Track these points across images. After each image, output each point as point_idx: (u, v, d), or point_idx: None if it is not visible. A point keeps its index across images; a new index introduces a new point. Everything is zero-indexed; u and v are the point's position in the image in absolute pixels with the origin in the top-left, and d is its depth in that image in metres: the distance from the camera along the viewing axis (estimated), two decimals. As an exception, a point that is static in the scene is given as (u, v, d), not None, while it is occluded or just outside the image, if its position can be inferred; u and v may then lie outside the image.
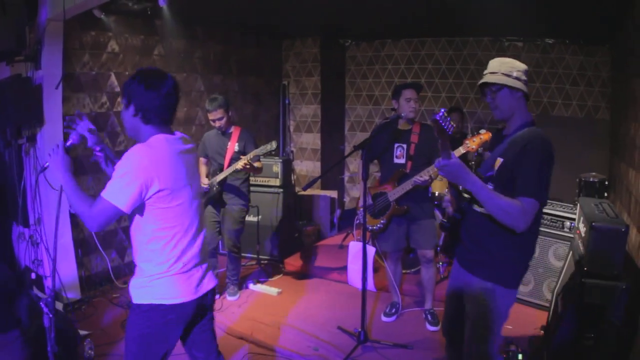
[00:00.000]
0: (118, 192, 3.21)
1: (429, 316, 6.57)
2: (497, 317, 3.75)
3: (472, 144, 5.06)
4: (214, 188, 6.92)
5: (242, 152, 6.89)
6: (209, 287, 3.69)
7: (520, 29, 8.95)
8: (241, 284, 7.65)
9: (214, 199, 7.01)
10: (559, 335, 4.72)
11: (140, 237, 3.46)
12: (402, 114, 5.95)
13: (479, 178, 3.54)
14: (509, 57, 3.77)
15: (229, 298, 7.28)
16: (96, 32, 7.35)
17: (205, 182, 6.93)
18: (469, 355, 3.93)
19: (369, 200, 6.29)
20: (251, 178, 7.41)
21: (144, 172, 3.22)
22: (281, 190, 8.96)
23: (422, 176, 5.82)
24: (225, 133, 7.01)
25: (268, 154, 6.83)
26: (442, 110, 3.31)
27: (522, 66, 3.69)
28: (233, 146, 6.95)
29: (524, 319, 6.24)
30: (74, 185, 3.39)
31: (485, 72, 3.76)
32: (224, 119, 6.82)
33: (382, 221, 6.28)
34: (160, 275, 3.42)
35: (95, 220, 3.24)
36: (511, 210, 3.39)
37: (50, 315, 3.90)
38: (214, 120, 6.83)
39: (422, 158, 6.06)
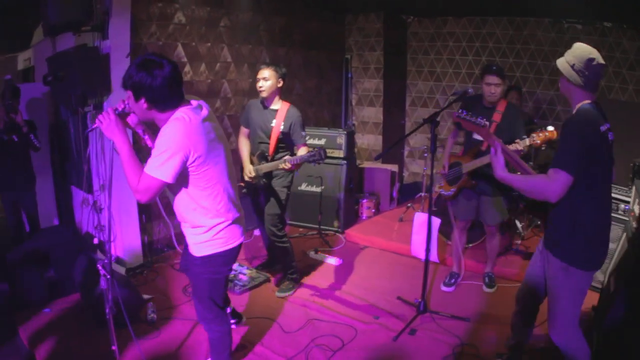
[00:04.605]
0: (161, 167, 3.47)
1: (486, 278, 6.78)
2: (573, 294, 3.97)
3: (538, 138, 5.24)
4: (262, 181, 6.28)
5: (288, 133, 6.24)
6: (246, 227, 4.31)
7: (580, 12, 8.80)
8: (300, 278, 6.96)
9: (261, 190, 6.44)
10: (610, 316, 4.71)
11: (190, 199, 3.82)
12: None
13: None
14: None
15: (278, 294, 6.58)
16: (163, 3, 7.44)
17: (249, 171, 6.27)
18: (548, 324, 4.16)
19: (445, 170, 6.53)
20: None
21: (182, 144, 3.48)
22: (345, 162, 9.00)
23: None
24: (267, 107, 6.31)
25: (314, 162, 5.72)
26: (461, 110, 3.64)
27: (585, 57, 3.77)
28: (279, 125, 6.22)
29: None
30: (128, 152, 3.58)
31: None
32: (269, 83, 6.11)
33: (452, 189, 6.43)
34: (219, 226, 3.93)
35: (144, 195, 3.57)
36: (538, 185, 3.78)
37: (108, 277, 4.03)
38: (258, 79, 6.15)
39: (503, 137, 6.03)
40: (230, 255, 4.09)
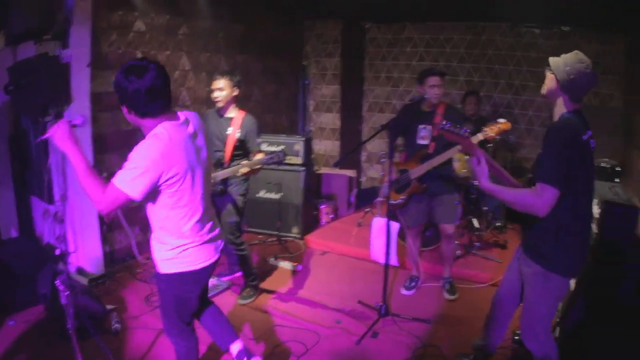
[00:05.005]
0: (131, 182, 3.37)
1: (446, 285, 6.83)
2: (550, 300, 4.06)
3: (491, 131, 5.32)
4: (218, 188, 6.21)
5: (244, 140, 6.24)
6: (222, 247, 4.16)
7: (537, 16, 8.97)
8: (258, 285, 6.90)
9: (218, 198, 6.27)
10: (571, 317, 4.82)
11: (157, 216, 3.73)
12: (427, 96, 6.08)
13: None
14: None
15: (240, 301, 6.62)
16: (123, 11, 7.41)
17: None
18: (523, 330, 4.26)
19: (395, 176, 6.43)
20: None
21: (155, 164, 3.39)
22: (302, 168, 9.05)
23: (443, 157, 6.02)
24: (222, 115, 6.33)
25: (274, 164, 5.99)
26: (445, 122, 3.69)
27: (582, 69, 3.77)
28: (235, 133, 6.22)
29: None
30: (83, 163, 3.46)
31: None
32: (224, 93, 6.15)
33: (402, 197, 6.47)
34: (184, 246, 3.79)
35: (108, 206, 3.45)
36: (526, 198, 3.72)
37: (67, 293, 4.01)
38: (213, 90, 6.18)
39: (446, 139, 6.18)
40: (198, 275, 3.97)
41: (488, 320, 4.73)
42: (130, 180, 3.37)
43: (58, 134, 3.50)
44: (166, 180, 3.48)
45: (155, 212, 3.71)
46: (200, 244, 3.87)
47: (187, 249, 3.81)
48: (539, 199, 3.62)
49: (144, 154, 3.40)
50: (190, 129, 3.72)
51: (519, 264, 4.25)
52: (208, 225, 3.96)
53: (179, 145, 3.53)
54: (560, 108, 3.89)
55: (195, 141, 3.74)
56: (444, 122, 4.24)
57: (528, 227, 4.08)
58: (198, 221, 3.82)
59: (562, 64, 3.80)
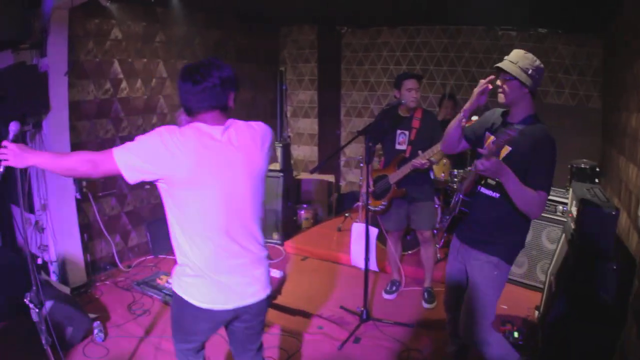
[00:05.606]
0: (126, 154, 3.07)
1: (425, 294, 6.78)
2: (499, 287, 4.19)
3: None
4: None
5: None
6: (252, 300, 3.45)
7: (514, 19, 8.98)
8: None
9: None
10: (552, 315, 4.85)
11: (168, 221, 3.32)
12: (404, 101, 6.09)
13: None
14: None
15: None
16: (100, 19, 7.39)
17: None
18: (467, 330, 4.31)
19: (370, 183, 6.43)
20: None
21: (154, 150, 3.08)
22: (281, 174, 9.04)
23: (421, 160, 6.02)
24: None
25: None
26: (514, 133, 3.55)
27: (535, 62, 3.92)
28: None
29: (519, 300, 6.44)
30: (47, 155, 3.29)
31: (506, 58, 3.99)
32: None
33: (383, 203, 6.49)
34: (187, 272, 3.31)
35: (99, 166, 3.10)
36: (533, 201, 3.77)
37: (37, 310, 3.92)
38: None
39: (423, 142, 6.21)
40: (200, 314, 3.35)
41: (449, 325, 4.87)
42: (126, 152, 3.08)
43: (12, 158, 3.17)
44: (163, 178, 3.14)
45: (168, 220, 3.32)
46: (202, 278, 3.29)
47: (188, 274, 3.31)
48: (540, 206, 3.82)
49: (151, 136, 3.14)
50: (225, 138, 3.31)
51: (460, 260, 4.40)
52: (227, 266, 3.34)
53: (191, 148, 3.15)
54: (524, 110, 4.01)
55: (222, 153, 3.27)
56: (513, 128, 3.94)
57: (478, 223, 4.20)
58: (209, 252, 3.28)
59: (521, 69, 3.88)
